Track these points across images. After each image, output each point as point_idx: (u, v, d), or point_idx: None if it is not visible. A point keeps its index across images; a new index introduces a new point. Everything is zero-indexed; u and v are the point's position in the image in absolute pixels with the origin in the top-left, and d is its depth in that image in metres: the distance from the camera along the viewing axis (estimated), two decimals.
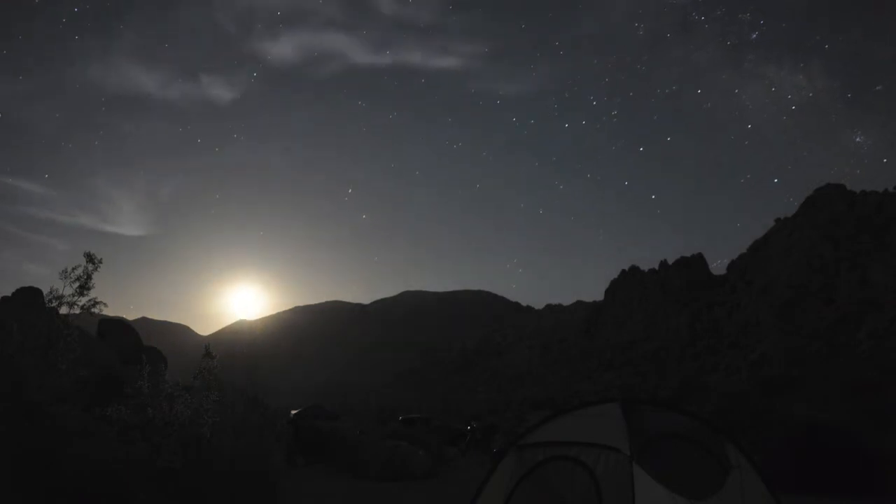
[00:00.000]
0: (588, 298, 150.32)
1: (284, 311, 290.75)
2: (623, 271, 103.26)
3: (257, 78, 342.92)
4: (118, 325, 18.65)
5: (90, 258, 7.30)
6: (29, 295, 12.90)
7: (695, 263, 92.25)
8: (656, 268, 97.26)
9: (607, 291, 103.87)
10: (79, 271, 7.22)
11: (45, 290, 7.34)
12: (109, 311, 7.98)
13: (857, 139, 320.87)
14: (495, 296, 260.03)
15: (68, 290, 7.18)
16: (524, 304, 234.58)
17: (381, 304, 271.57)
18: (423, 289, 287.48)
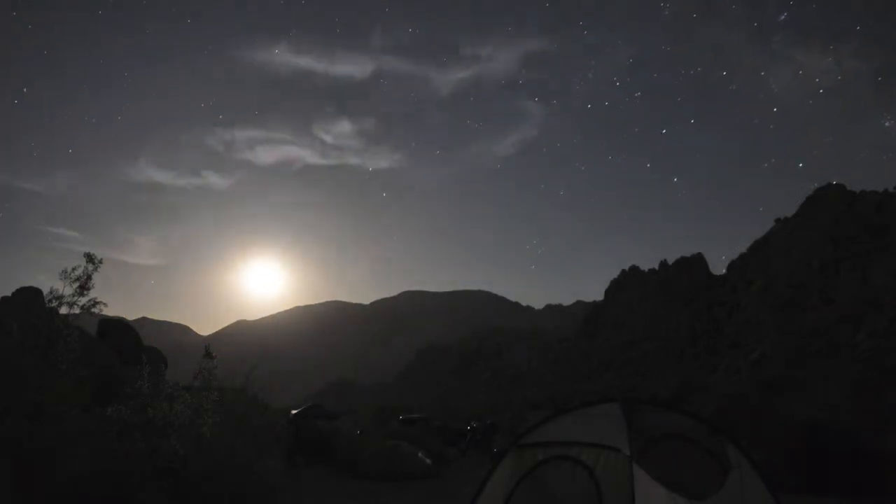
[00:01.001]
0: (588, 298, 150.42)
1: (284, 311, 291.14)
2: (623, 271, 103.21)
3: (244, 173, 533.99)
4: (118, 325, 18.56)
5: (90, 258, 7.29)
6: (29, 295, 12.86)
7: (695, 263, 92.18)
8: (656, 268, 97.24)
9: (607, 291, 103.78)
10: (79, 271, 7.20)
11: (46, 291, 7.34)
12: (109, 311, 7.98)
13: (887, 124, 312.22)
14: (495, 296, 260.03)
15: (68, 291, 7.17)
16: (524, 304, 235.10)
17: (381, 304, 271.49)
18: (423, 289, 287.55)
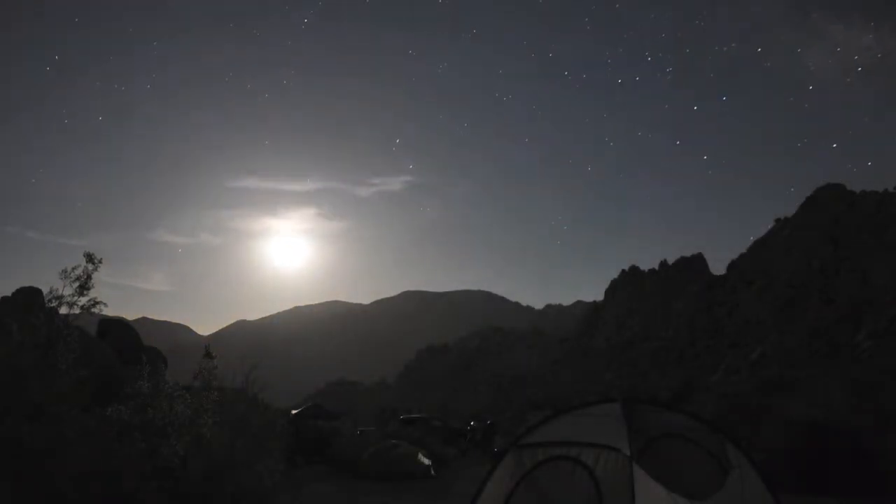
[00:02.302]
0: (588, 298, 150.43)
1: (284, 311, 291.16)
2: (623, 271, 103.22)
3: (230, 235, 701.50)
4: (118, 325, 18.54)
5: (90, 258, 7.27)
6: (29, 295, 12.84)
7: (695, 263, 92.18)
8: (656, 268, 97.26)
9: (607, 291, 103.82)
10: (78, 271, 7.18)
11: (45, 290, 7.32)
12: (109, 311, 7.97)
13: None
14: (495, 296, 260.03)
15: (68, 291, 7.15)
16: (524, 304, 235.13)
17: (381, 304, 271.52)
18: (423, 289, 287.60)
